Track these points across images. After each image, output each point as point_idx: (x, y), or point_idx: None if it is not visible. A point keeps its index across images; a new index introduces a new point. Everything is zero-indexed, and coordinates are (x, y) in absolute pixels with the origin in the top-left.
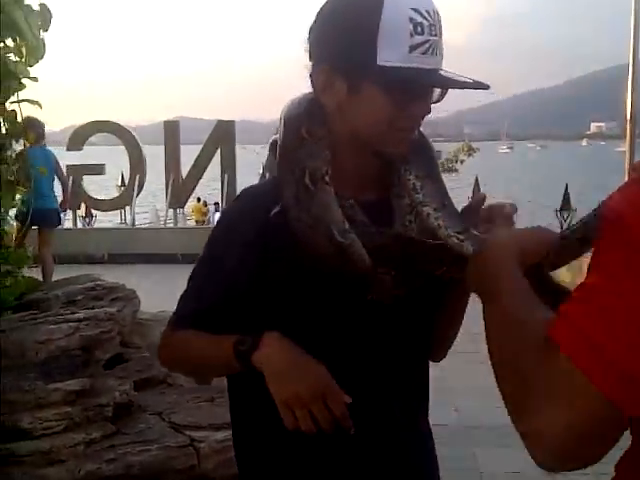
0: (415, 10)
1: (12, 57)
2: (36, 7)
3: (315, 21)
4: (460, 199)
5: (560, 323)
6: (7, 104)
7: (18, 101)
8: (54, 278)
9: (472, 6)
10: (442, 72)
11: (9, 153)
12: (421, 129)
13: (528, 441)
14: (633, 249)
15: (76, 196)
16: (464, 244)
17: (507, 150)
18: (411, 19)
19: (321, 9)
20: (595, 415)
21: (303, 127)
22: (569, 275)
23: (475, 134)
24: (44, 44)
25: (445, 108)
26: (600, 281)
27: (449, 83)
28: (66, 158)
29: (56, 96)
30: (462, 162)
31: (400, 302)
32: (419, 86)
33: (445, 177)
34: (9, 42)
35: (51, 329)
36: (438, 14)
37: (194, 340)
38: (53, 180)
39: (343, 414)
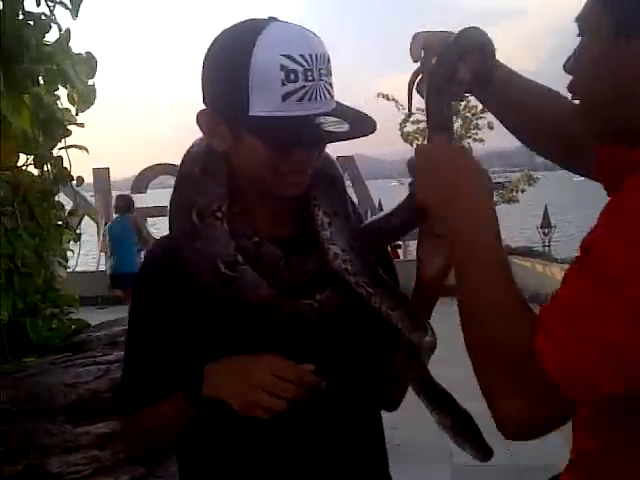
0: (287, 56)
1: (60, 104)
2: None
3: (204, 58)
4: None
5: (541, 339)
6: (55, 150)
7: (65, 147)
8: (106, 319)
9: (545, 35)
10: (323, 119)
11: (57, 198)
12: (331, 158)
13: (500, 424)
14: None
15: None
16: (372, 298)
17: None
18: (282, 66)
19: (210, 45)
20: (551, 407)
21: (197, 165)
22: None
23: (548, 163)
24: (94, 90)
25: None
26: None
27: (323, 134)
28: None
29: (111, 139)
30: (523, 192)
31: (328, 332)
32: (295, 133)
33: (507, 207)
34: (61, 91)
35: (80, 372)
36: (319, 55)
37: (149, 413)
38: (135, 245)
39: (303, 380)
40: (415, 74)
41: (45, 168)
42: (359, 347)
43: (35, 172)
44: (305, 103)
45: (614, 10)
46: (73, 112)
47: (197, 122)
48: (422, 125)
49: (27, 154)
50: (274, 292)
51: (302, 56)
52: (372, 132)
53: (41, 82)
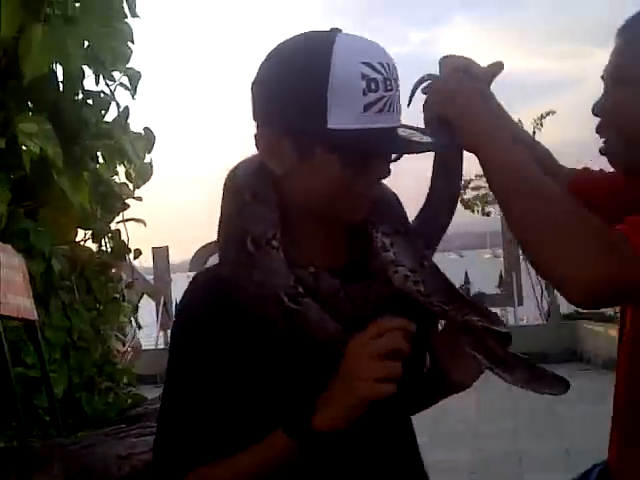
0: (367, 64)
1: (117, 179)
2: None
3: (257, 75)
4: None
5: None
6: (113, 224)
7: (123, 220)
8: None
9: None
10: (401, 130)
11: (114, 271)
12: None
13: (566, 284)
14: None
15: None
16: (450, 313)
17: None
18: (363, 75)
19: (265, 61)
20: (629, 272)
21: (247, 191)
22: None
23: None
24: (151, 166)
25: None
26: None
27: (410, 145)
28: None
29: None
30: None
31: None
32: (375, 147)
33: None
34: (120, 168)
35: (135, 442)
36: (393, 66)
37: (217, 472)
38: None
39: (405, 326)
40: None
41: (103, 242)
42: (414, 371)
43: (93, 247)
44: (385, 114)
45: None
46: (130, 187)
47: (255, 142)
48: (483, 191)
49: (85, 229)
50: (339, 327)
51: (381, 64)
52: (452, 149)
53: (100, 159)
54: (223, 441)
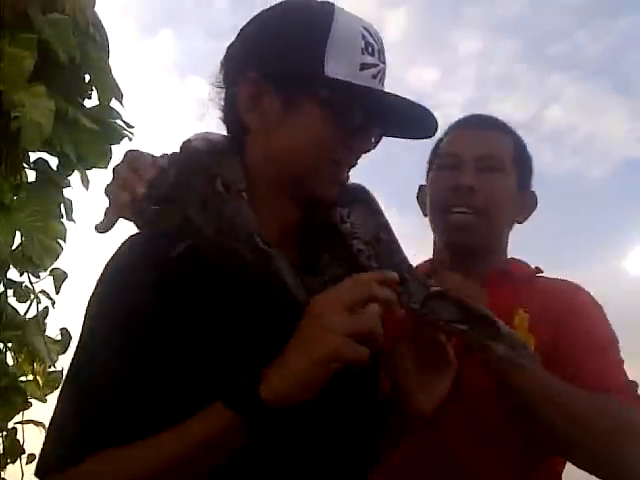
0: (366, 30)
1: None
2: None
3: (248, 23)
4: None
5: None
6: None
7: (22, 422)
8: None
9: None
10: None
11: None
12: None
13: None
14: None
15: None
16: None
17: None
18: (363, 36)
19: (256, 15)
20: None
21: (220, 145)
22: None
23: None
24: (62, 374)
25: None
26: None
27: (413, 111)
28: None
29: None
30: None
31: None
32: (368, 109)
33: None
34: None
35: None
36: (383, 44)
37: (132, 455)
38: None
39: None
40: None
41: None
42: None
43: None
44: (376, 82)
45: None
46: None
47: (233, 89)
48: None
49: None
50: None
51: (377, 35)
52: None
53: (9, 350)
54: (143, 419)
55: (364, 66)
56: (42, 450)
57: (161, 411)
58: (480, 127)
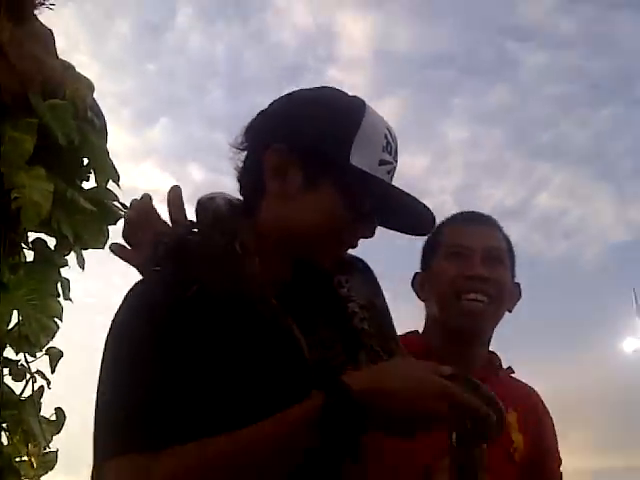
0: (388, 130)
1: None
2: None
3: (274, 102)
4: None
5: None
6: None
7: None
8: None
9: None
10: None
11: None
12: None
13: None
14: None
15: None
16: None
17: None
18: (385, 136)
19: (289, 93)
20: None
21: (231, 208)
22: None
23: None
24: (56, 456)
25: None
26: None
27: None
28: None
29: None
30: None
31: None
32: (381, 201)
33: None
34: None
35: None
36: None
37: (218, 447)
38: None
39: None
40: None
41: None
42: None
43: None
44: (389, 178)
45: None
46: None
47: (262, 157)
48: None
49: None
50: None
51: (395, 137)
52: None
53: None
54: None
55: (382, 162)
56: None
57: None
58: (483, 223)
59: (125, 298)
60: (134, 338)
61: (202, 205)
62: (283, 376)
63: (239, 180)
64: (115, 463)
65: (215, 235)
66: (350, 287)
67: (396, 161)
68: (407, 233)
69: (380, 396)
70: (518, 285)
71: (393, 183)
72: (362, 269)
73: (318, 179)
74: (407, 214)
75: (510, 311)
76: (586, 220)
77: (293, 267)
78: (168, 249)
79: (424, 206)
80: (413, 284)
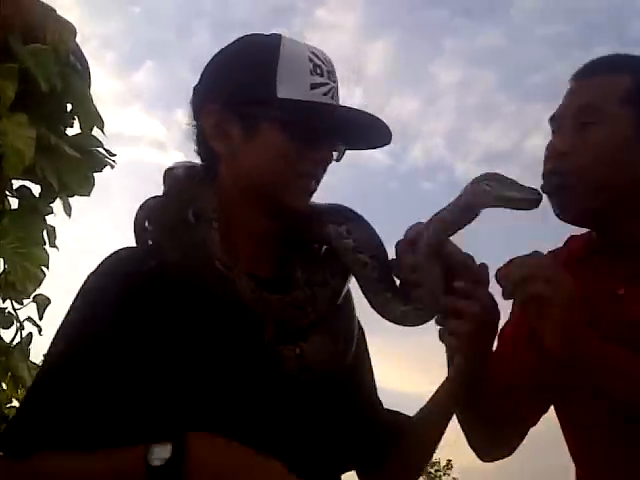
0: (313, 54)
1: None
2: None
3: (205, 68)
4: None
5: None
6: None
7: None
8: None
9: None
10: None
11: None
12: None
13: None
14: None
15: None
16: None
17: None
18: (310, 59)
19: (214, 54)
20: None
21: (197, 176)
22: None
23: None
24: None
25: None
26: None
27: (359, 120)
28: None
29: None
30: None
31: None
32: (322, 123)
33: None
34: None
35: None
36: (332, 65)
37: (67, 465)
38: None
39: None
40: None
41: None
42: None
43: None
44: (329, 99)
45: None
46: None
47: (199, 123)
48: None
49: None
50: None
51: (325, 59)
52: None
53: None
54: (93, 430)
55: (314, 86)
56: (9, 426)
57: (117, 420)
58: (584, 76)
59: (100, 263)
60: (75, 323)
61: (164, 175)
62: (230, 361)
63: (196, 152)
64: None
65: (171, 204)
66: (356, 238)
67: (334, 81)
68: (366, 148)
69: None
70: None
71: (347, 104)
72: (357, 218)
73: (255, 124)
74: (359, 129)
75: None
76: None
77: (280, 224)
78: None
79: (376, 118)
80: None
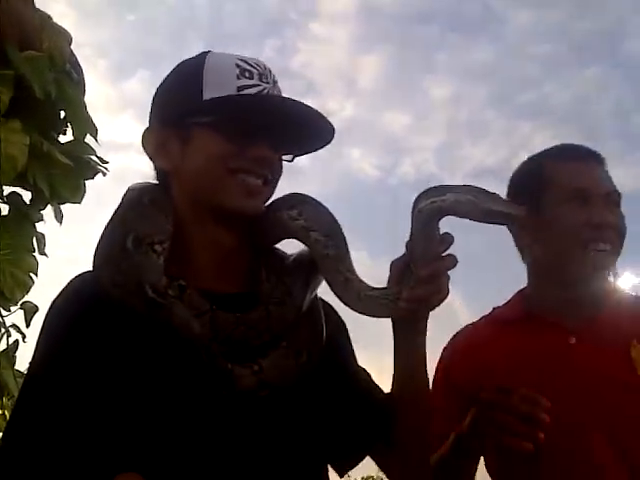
0: (242, 60)
1: None
2: None
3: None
4: None
5: None
6: None
7: None
8: None
9: None
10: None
11: None
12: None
13: None
14: None
15: None
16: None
17: None
18: (238, 65)
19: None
20: None
21: (146, 195)
22: None
23: None
24: None
25: None
26: None
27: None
28: None
29: None
30: None
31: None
32: (252, 116)
33: None
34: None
35: None
36: (269, 69)
37: None
38: None
39: None
40: None
41: None
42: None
43: None
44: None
45: None
46: None
47: (142, 144)
48: None
49: None
50: (208, 334)
51: (256, 63)
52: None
53: None
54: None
55: (241, 88)
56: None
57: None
58: (600, 162)
59: (63, 288)
60: (41, 342)
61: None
62: (167, 386)
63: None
64: None
65: (114, 230)
66: (306, 218)
67: (266, 82)
68: (308, 149)
69: None
70: None
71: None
72: (310, 201)
73: (188, 133)
74: (297, 124)
75: None
76: None
77: (239, 234)
78: None
79: (318, 114)
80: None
